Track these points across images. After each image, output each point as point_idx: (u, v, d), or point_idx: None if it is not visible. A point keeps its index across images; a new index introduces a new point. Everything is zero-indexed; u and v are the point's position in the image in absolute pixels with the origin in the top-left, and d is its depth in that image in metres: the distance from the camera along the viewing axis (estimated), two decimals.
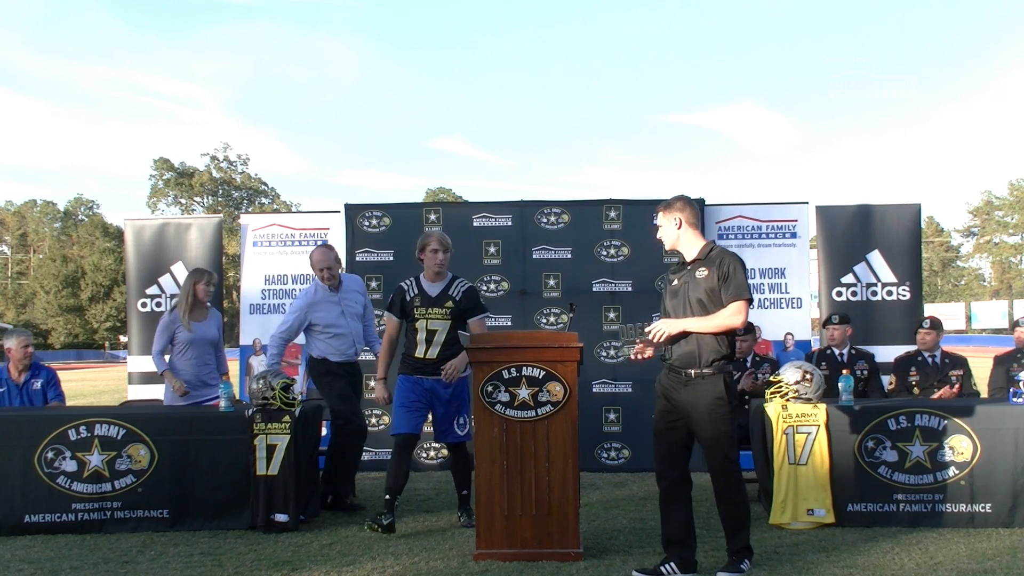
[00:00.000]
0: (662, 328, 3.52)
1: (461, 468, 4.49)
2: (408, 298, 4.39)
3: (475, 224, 6.54)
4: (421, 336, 4.34)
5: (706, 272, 3.51)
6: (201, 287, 5.14)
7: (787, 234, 6.60)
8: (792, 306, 6.56)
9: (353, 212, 6.72)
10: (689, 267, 3.58)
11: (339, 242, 6.75)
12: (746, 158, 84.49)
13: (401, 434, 4.33)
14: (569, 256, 6.56)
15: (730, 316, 3.47)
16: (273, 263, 6.81)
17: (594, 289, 6.51)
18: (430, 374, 4.35)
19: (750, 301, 3.51)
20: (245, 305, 6.83)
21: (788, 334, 6.53)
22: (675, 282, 3.64)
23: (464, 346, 4.08)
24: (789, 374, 4.69)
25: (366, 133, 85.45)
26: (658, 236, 3.72)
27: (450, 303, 4.35)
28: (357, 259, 6.67)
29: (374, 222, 6.71)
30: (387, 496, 4.33)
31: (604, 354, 6.50)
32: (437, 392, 4.37)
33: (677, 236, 3.64)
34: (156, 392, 6.52)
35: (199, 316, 5.17)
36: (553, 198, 9.66)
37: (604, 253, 6.58)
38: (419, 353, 4.36)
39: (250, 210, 51.68)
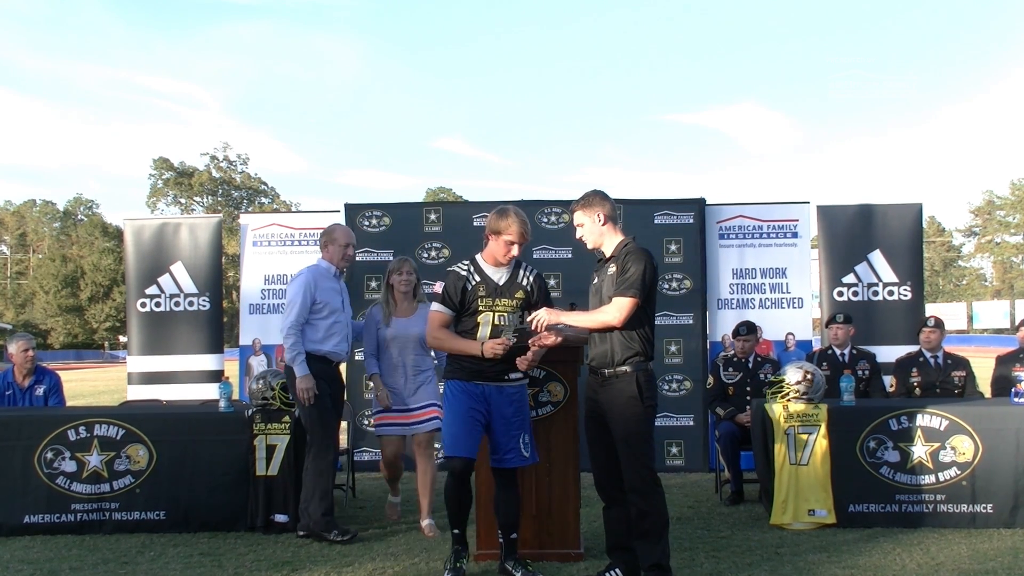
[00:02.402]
0: (541, 317, 3.39)
1: (512, 503, 3.64)
2: (469, 286, 3.59)
3: (475, 224, 6.53)
4: (484, 332, 3.56)
5: (614, 268, 3.40)
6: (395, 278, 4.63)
7: (788, 234, 6.58)
8: (793, 306, 6.54)
9: (353, 212, 6.71)
10: (607, 263, 3.48)
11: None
12: (747, 158, 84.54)
13: (459, 458, 3.52)
14: (569, 256, 6.56)
15: (609, 313, 3.31)
16: (273, 263, 6.81)
17: None
18: (491, 378, 3.56)
19: (637, 301, 3.30)
20: (245, 305, 6.83)
21: (789, 334, 6.52)
22: (595, 280, 3.54)
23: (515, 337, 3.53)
24: (790, 374, 4.68)
25: (366, 133, 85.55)
26: (578, 236, 3.55)
27: (521, 293, 3.62)
28: (357, 259, 6.62)
29: (374, 222, 6.70)
30: (455, 531, 3.63)
31: None
32: (496, 402, 3.57)
33: (600, 232, 3.48)
34: (155, 392, 6.55)
35: (404, 311, 4.61)
36: (553, 197, 9.67)
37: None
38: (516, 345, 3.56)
39: (250, 210, 51.78)
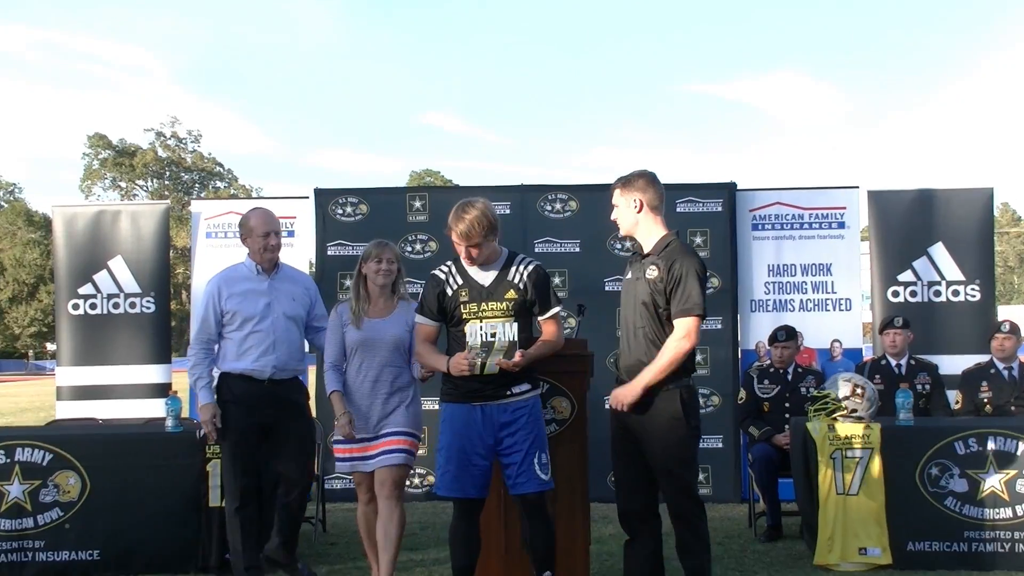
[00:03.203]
0: (622, 400, 3.45)
1: (540, 535, 3.57)
2: (449, 291, 3.59)
3: None
4: (474, 344, 3.54)
5: (656, 272, 3.45)
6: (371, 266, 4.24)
7: (834, 224, 6.58)
8: (840, 308, 6.54)
9: (324, 198, 6.70)
10: (643, 260, 3.56)
11: (307, 234, 6.75)
12: (786, 135, 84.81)
13: (457, 500, 3.55)
14: (577, 250, 6.55)
15: (677, 344, 3.39)
16: (230, 258, 6.66)
17: (606, 288, 6.51)
18: (490, 397, 3.53)
19: (702, 318, 3.43)
20: (196, 307, 6.81)
21: (835, 341, 6.51)
22: (629, 274, 3.63)
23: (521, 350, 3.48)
24: (837, 388, 4.67)
25: (341, 106, 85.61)
26: (612, 217, 3.65)
27: (512, 293, 3.55)
28: (329, 253, 6.68)
29: (349, 210, 6.69)
30: None
31: None
32: (500, 422, 3.54)
33: (635, 221, 3.55)
34: (90, 410, 6.53)
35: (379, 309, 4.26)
36: (559, 182, 9.68)
37: (619, 246, 6.57)
38: (488, 370, 3.55)
39: (203, 195, 51.75)
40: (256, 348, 4.21)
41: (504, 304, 3.53)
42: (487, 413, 3.52)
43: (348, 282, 6.53)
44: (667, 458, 3.42)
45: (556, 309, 3.63)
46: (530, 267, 3.61)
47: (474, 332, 3.52)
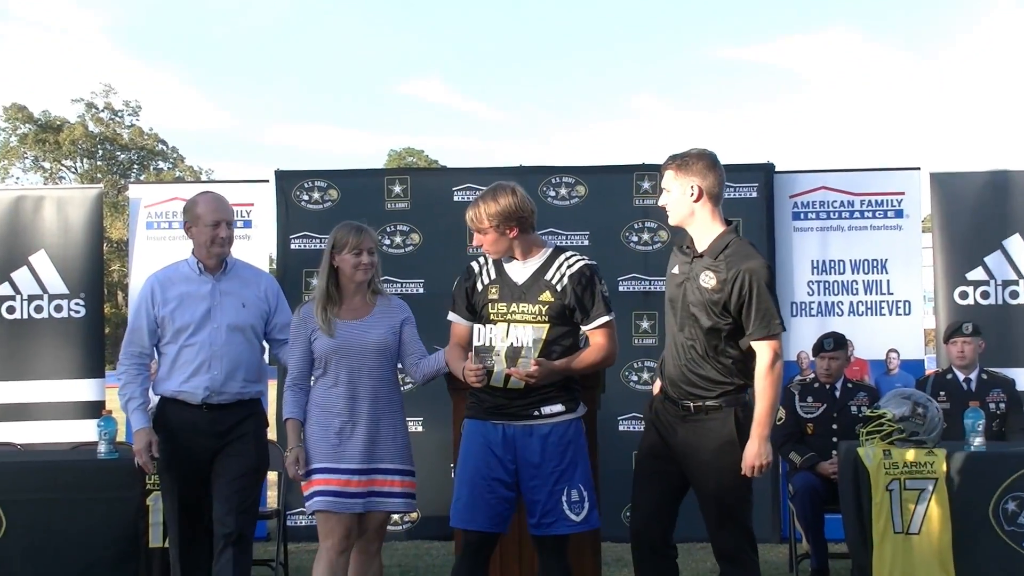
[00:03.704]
0: (753, 463, 3.43)
1: None
2: (480, 286, 3.67)
3: (456, 198, 6.53)
4: (482, 346, 3.58)
5: (714, 282, 3.46)
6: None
7: (890, 212, 6.60)
8: (897, 312, 6.55)
9: (287, 182, 6.71)
10: (696, 260, 3.56)
11: (267, 223, 6.76)
12: (832, 107, 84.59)
13: (470, 533, 3.56)
14: (586, 243, 6.58)
15: (772, 374, 3.42)
16: (175, 253, 6.65)
17: (620, 288, 6.55)
18: (515, 416, 3.56)
19: (782, 332, 3.48)
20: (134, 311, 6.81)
21: (891, 351, 6.54)
22: (676, 269, 3.65)
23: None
24: (894, 407, 4.69)
25: (307, 74, 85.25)
26: (660, 203, 3.65)
27: (547, 295, 3.59)
28: (292, 247, 6.70)
29: (316, 196, 6.69)
30: None
31: (635, 378, 6.49)
32: (525, 447, 3.54)
33: (691, 211, 3.54)
34: (7, 433, 6.49)
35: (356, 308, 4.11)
36: (564, 163, 9.68)
37: (635, 239, 6.58)
38: (494, 380, 3.57)
39: (143, 178, 51.61)
40: (188, 365, 4.09)
41: (537, 307, 3.55)
42: (508, 435, 3.55)
43: (314, 281, 6.52)
44: (719, 488, 3.46)
45: (605, 318, 3.60)
46: (575, 266, 3.61)
47: (482, 334, 3.54)
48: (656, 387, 3.85)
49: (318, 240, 6.62)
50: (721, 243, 3.49)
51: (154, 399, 4.23)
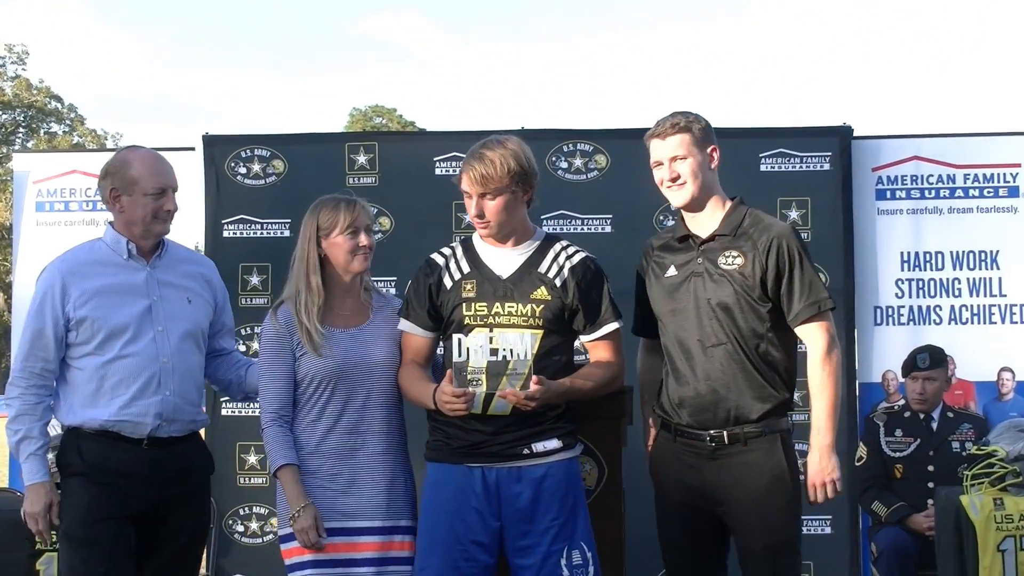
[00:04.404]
0: (824, 479, 3.53)
1: None
2: (448, 283, 3.67)
3: (439, 171, 6.56)
4: (464, 363, 3.53)
5: (741, 259, 3.59)
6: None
7: (1003, 191, 6.60)
8: (1012, 320, 6.56)
9: (219, 150, 6.74)
10: (705, 246, 3.67)
11: (193, 204, 6.71)
12: (926, 55, 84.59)
13: None
14: (608, 229, 6.64)
15: (829, 362, 3.57)
16: (73, 238, 6.66)
17: None
18: (497, 456, 3.55)
19: (833, 309, 3.67)
20: (21, 317, 6.70)
21: (1005, 371, 6.50)
22: (672, 270, 3.72)
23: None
24: (1007, 442, 4.79)
25: (244, 10, 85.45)
26: (671, 177, 3.68)
27: (543, 291, 3.62)
28: (225, 234, 6.71)
29: (256, 168, 6.70)
30: None
31: None
32: (511, 496, 3.55)
33: (710, 184, 3.71)
34: None
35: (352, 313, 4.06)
36: (579, 125, 9.63)
37: (672, 223, 6.51)
38: (472, 406, 3.52)
39: (31, 145, 51.74)
40: (127, 384, 3.89)
41: (529, 307, 3.57)
42: (490, 481, 3.53)
43: (254, 278, 6.57)
44: (769, 537, 3.54)
45: (615, 324, 3.69)
46: (575, 257, 3.68)
47: (468, 345, 3.52)
48: (651, 434, 3.90)
49: (259, 226, 6.63)
50: (736, 217, 3.67)
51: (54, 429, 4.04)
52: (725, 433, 3.55)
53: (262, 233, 6.61)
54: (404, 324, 3.76)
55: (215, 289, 4.24)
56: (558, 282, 3.61)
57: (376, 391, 3.84)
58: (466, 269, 3.66)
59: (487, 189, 3.53)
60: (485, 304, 3.59)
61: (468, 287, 3.61)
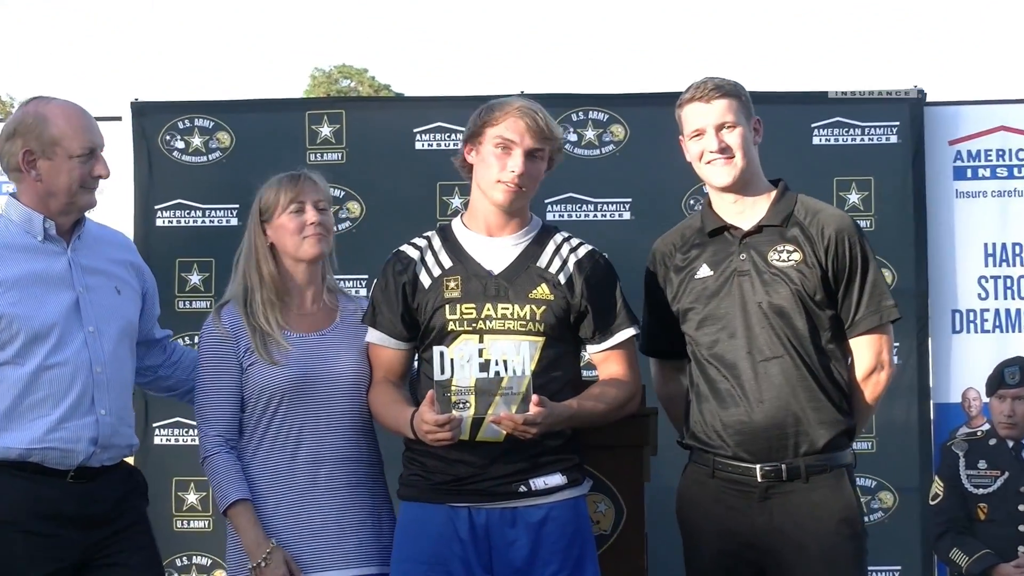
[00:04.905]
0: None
1: None
2: (425, 281, 3.68)
3: (419, 144, 6.61)
4: (449, 381, 3.50)
5: (798, 254, 3.61)
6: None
7: None
8: None
9: (151, 120, 6.83)
10: (749, 239, 3.68)
11: (120, 185, 6.61)
12: (1010, 6, 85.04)
13: None
14: (627, 215, 6.72)
15: (875, 375, 3.69)
16: None
17: None
18: (490, 494, 3.57)
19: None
20: None
21: None
22: (703, 270, 3.72)
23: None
24: None
25: None
26: (718, 147, 3.65)
27: (544, 290, 3.63)
28: (159, 222, 6.76)
29: (197, 142, 6.78)
30: None
31: None
32: (504, 544, 3.59)
33: (755, 159, 3.75)
34: None
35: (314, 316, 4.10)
36: (589, 90, 9.56)
37: (699, 210, 6.53)
38: (458, 433, 3.53)
39: None
40: (55, 402, 3.70)
41: (527, 309, 3.55)
42: (479, 525, 3.52)
43: (194, 277, 6.57)
44: None
45: (629, 332, 3.68)
46: (580, 250, 3.68)
47: (452, 358, 3.43)
48: (689, 471, 3.83)
49: (200, 212, 6.70)
50: (786, 205, 3.69)
51: None
52: (784, 467, 3.51)
53: (204, 221, 6.66)
54: (372, 334, 3.72)
55: (143, 275, 4.10)
56: (562, 278, 3.60)
57: (340, 409, 3.82)
58: (448, 263, 3.62)
59: (541, 145, 3.55)
60: (473, 306, 3.55)
61: (451, 285, 3.57)
